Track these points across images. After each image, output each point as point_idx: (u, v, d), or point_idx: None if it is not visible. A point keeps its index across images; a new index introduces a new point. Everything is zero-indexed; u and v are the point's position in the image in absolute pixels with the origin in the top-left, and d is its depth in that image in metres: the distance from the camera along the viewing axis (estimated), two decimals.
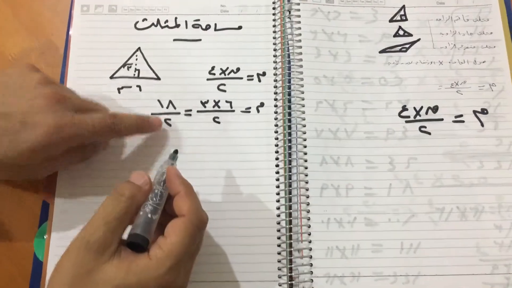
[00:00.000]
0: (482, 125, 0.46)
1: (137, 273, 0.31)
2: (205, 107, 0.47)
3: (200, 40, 0.49)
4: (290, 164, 0.44)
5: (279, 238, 0.42)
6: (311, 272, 0.41)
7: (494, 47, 0.48)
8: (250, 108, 0.47)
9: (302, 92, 0.46)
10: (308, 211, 0.43)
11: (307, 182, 0.44)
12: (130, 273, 0.30)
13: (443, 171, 0.44)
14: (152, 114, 0.46)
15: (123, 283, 0.30)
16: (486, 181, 0.44)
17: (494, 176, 0.44)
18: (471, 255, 0.42)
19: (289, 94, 0.46)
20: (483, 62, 0.48)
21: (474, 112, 0.46)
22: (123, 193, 0.33)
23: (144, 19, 0.50)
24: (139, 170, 0.44)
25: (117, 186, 0.34)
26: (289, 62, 0.48)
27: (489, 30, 0.49)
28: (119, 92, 0.47)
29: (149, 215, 0.34)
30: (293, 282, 0.41)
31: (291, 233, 0.42)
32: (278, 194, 0.44)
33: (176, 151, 0.39)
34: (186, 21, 0.50)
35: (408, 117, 0.46)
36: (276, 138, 0.45)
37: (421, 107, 0.46)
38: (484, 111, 0.46)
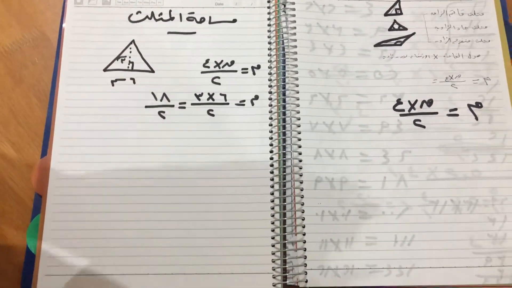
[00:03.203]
0: (477, 118, 0.46)
1: None
2: (199, 100, 0.47)
3: (194, 33, 0.49)
4: (285, 157, 0.44)
5: (273, 230, 0.42)
6: (305, 265, 0.41)
7: (489, 41, 0.48)
8: (244, 101, 0.47)
9: (297, 85, 0.46)
10: (302, 204, 0.43)
11: (301, 175, 0.44)
12: None
13: (437, 164, 0.44)
14: (146, 106, 0.46)
15: None
16: (480, 174, 0.44)
17: (488, 170, 0.44)
18: (465, 247, 0.42)
19: (284, 87, 0.46)
20: (478, 56, 0.48)
21: (469, 105, 0.46)
22: None
23: (138, 12, 0.50)
24: (132, 165, 0.44)
25: None
26: (283, 55, 0.48)
27: (483, 24, 0.49)
28: (113, 85, 0.47)
29: None
30: (287, 274, 0.41)
31: (285, 226, 0.42)
32: (272, 187, 0.44)
33: None
34: (180, 14, 0.50)
35: (403, 110, 0.46)
36: (271, 131, 0.45)
37: (416, 101, 0.46)
38: (478, 105, 0.46)
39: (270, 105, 0.46)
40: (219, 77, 0.47)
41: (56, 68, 0.48)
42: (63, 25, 0.49)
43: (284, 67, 0.47)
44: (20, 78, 0.48)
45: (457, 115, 0.46)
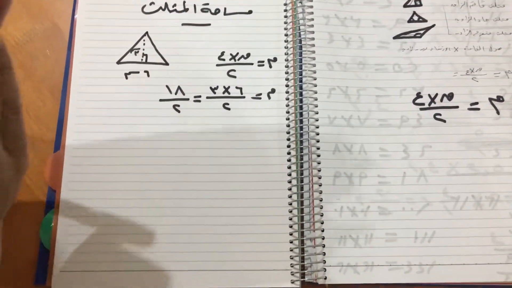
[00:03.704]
0: (498, 112, 0.45)
1: None
2: (214, 93, 0.46)
3: (209, 24, 0.48)
4: (302, 152, 0.43)
5: (291, 227, 0.42)
6: (324, 262, 0.41)
7: (510, 33, 0.47)
8: (261, 94, 0.46)
9: (315, 79, 0.45)
10: (321, 200, 0.42)
11: (319, 170, 0.43)
12: None
13: (458, 160, 0.43)
14: (160, 100, 0.45)
15: None
16: (502, 170, 0.43)
17: (509, 165, 0.43)
18: (486, 244, 0.41)
19: (301, 81, 0.45)
20: (499, 49, 0.47)
21: (490, 99, 0.45)
22: None
23: (152, 3, 0.48)
24: (146, 159, 0.44)
25: None
26: (300, 47, 0.47)
27: (505, 17, 0.48)
28: (126, 78, 0.46)
29: None
30: (305, 271, 0.41)
31: (303, 222, 0.42)
32: (290, 182, 0.43)
33: None
34: (194, 5, 0.49)
35: (423, 104, 0.45)
36: (288, 125, 0.44)
37: (436, 94, 0.45)
38: (500, 99, 0.45)
39: (287, 99, 0.45)
40: (234, 70, 0.46)
41: (68, 61, 0.47)
42: (75, 16, 0.48)
43: (301, 60, 0.46)
44: (31, 71, 0.47)
45: (478, 109, 0.45)
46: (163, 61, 0.47)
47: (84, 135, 0.44)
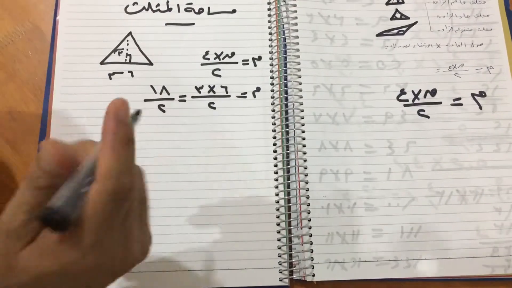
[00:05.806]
0: (480, 108, 0.45)
1: (57, 257, 0.25)
2: (199, 92, 0.46)
3: (193, 24, 0.48)
4: (288, 150, 0.44)
5: (278, 224, 0.42)
6: (312, 259, 0.41)
7: (491, 29, 0.48)
8: (246, 93, 0.46)
9: (299, 77, 0.45)
10: (308, 197, 0.42)
11: (306, 168, 0.43)
12: (48, 259, 0.25)
13: (442, 155, 0.44)
14: (145, 100, 0.45)
15: (43, 271, 0.25)
16: (485, 164, 0.44)
17: (493, 159, 0.44)
18: (471, 238, 0.42)
19: (286, 79, 0.46)
20: (481, 44, 0.47)
21: (472, 95, 0.46)
22: (38, 185, 0.26)
23: (135, 3, 0.48)
24: None
25: (32, 172, 0.26)
26: (285, 46, 0.47)
27: (486, 13, 0.49)
28: (110, 78, 0.46)
29: (76, 187, 0.25)
30: (293, 269, 0.41)
31: (291, 220, 0.42)
32: (276, 180, 0.43)
33: (138, 113, 0.30)
34: (178, 5, 0.48)
35: (407, 100, 0.46)
36: (274, 124, 0.44)
37: (420, 91, 0.46)
38: (482, 94, 0.46)
39: (272, 97, 0.45)
40: (219, 69, 0.46)
41: (50, 62, 0.46)
42: (57, 17, 0.47)
43: (285, 58, 0.46)
44: (14, 73, 0.47)
45: (461, 104, 0.46)
46: (147, 61, 0.46)
47: (68, 137, 0.43)
